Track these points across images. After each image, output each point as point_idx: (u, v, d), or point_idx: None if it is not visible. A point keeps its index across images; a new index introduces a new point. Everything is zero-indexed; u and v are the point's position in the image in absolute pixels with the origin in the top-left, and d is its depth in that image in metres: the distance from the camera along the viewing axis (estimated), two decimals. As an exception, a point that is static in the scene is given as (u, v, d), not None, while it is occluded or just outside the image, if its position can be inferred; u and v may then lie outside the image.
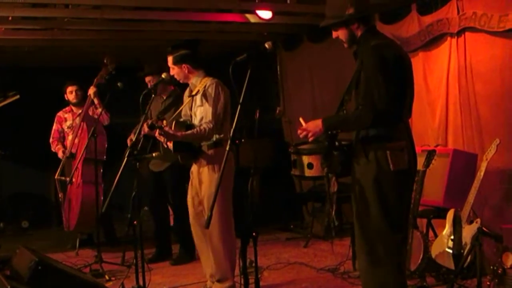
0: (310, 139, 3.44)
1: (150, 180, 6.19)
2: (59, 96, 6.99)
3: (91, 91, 6.48)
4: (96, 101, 6.53)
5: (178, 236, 6.24)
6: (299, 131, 3.48)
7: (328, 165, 3.44)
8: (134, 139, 4.76)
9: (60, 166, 6.58)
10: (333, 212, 3.48)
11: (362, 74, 3.40)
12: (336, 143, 3.46)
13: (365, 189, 3.41)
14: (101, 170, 6.33)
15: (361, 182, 3.42)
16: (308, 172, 3.75)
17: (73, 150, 6.53)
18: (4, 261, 5.30)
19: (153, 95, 5.92)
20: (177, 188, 6.08)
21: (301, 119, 3.70)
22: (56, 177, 6.59)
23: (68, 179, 6.42)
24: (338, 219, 6.91)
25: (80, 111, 6.65)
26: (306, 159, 3.70)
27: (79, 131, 6.54)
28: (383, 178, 3.38)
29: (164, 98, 6.02)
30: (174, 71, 4.76)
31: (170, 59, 4.74)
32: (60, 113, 7.00)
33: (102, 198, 6.21)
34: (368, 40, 3.48)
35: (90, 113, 6.67)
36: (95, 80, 6.45)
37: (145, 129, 4.71)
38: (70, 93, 6.84)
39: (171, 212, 6.53)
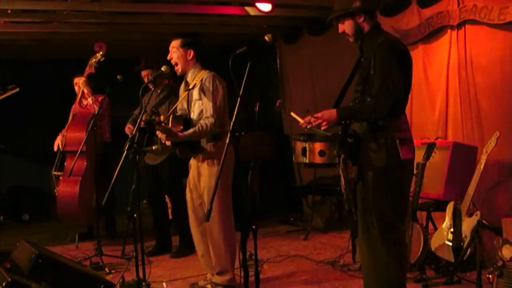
0: (323, 128, 3.44)
1: (146, 174, 6.18)
2: (58, 89, 6.97)
3: (80, 81, 6.46)
4: (85, 91, 6.47)
5: (178, 229, 6.25)
6: (312, 119, 3.47)
7: (345, 151, 3.46)
8: (133, 131, 4.71)
9: (56, 161, 6.56)
10: (352, 198, 3.48)
11: (372, 66, 3.44)
12: (350, 131, 3.50)
13: (375, 176, 3.46)
14: (85, 163, 6.29)
15: (371, 169, 3.47)
16: (318, 159, 3.74)
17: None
18: (4, 254, 5.30)
19: (152, 89, 5.96)
20: (174, 181, 6.09)
21: (293, 114, 3.71)
22: (52, 172, 6.57)
23: (62, 173, 6.41)
24: (338, 211, 6.94)
25: (86, 102, 6.62)
26: (318, 146, 3.68)
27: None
28: (392, 165, 3.43)
29: (159, 91, 5.98)
30: (177, 53, 4.66)
31: (177, 41, 4.66)
32: (73, 106, 6.98)
33: (78, 189, 6.19)
34: (374, 36, 3.55)
35: (88, 104, 6.61)
36: (85, 70, 6.42)
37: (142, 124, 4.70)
38: (76, 85, 6.81)
39: (169, 205, 6.54)
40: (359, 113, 3.45)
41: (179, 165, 6.02)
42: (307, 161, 4.18)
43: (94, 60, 6.33)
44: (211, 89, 4.57)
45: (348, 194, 3.52)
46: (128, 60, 6.54)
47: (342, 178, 3.53)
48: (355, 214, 3.58)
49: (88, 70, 6.39)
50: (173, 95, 5.89)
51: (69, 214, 6.32)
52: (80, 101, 6.59)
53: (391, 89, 3.35)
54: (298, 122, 3.65)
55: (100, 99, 6.44)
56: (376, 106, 3.39)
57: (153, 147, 4.82)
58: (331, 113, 3.47)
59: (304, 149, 3.95)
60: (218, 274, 4.70)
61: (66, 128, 6.50)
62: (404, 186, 3.55)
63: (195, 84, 4.62)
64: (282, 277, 5.12)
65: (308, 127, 3.53)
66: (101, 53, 6.30)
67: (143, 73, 6.06)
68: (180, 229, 6.19)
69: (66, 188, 6.24)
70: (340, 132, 3.53)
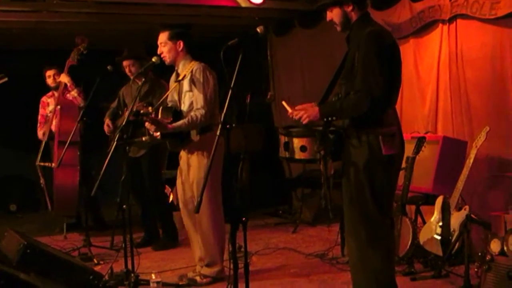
0: (304, 122, 3.42)
1: (131, 166, 6.14)
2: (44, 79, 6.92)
3: (62, 74, 6.42)
4: (68, 83, 6.42)
5: (160, 222, 6.25)
6: (295, 113, 3.46)
7: (325, 148, 3.44)
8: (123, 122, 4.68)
9: (40, 151, 6.52)
10: (330, 194, 3.47)
11: (357, 59, 3.39)
12: (332, 127, 3.46)
13: (357, 173, 3.42)
14: (77, 153, 6.25)
15: (353, 166, 3.43)
16: (300, 155, 3.69)
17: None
18: (-9, 244, 5.27)
19: (132, 81, 5.90)
20: (154, 174, 6.08)
21: (284, 103, 3.68)
22: (37, 163, 6.53)
23: (50, 164, 6.39)
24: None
25: (69, 95, 6.57)
26: (299, 142, 3.64)
27: (54, 116, 6.50)
28: (374, 162, 3.39)
29: (140, 84, 5.85)
30: (167, 47, 4.61)
31: (165, 34, 4.61)
32: (43, 98, 6.95)
33: (78, 180, 6.19)
34: (361, 26, 3.48)
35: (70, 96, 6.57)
36: (67, 62, 6.38)
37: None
38: (49, 78, 6.75)
39: (169, 191, 6.52)
40: (340, 110, 3.42)
41: (158, 158, 6.03)
42: (289, 156, 4.16)
43: (76, 52, 6.31)
44: (201, 80, 4.54)
45: (325, 191, 3.52)
46: (118, 50, 6.50)
47: (322, 174, 3.51)
48: (332, 212, 3.57)
49: (70, 62, 6.36)
50: (157, 88, 5.85)
51: (67, 204, 6.31)
52: (64, 92, 6.53)
53: (372, 86, 3.30)
54: (287, 111, 3.63)
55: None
56: (355, 103, 3.35)
57: (143, 138, 4.79)
58: (313, 109, 3.44)
59: (286, 144, 3.92)
60: (207, 265, 4.70)
61: (55, 119, 6.46)
62: (387, 181, 3.48)
63: (185, 75, 4.59)
64: (271, 269, 5.13)
65: (295, 118, 3.52)
66: (83, 45, 6.27)
67: (125, 63, 5.98)
68: (162, 222, 6.19)
69: (66, 179, 6.22)
70: (321, 127, 3.51)
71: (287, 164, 7.89)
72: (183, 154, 4.73)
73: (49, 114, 6.80)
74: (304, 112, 3.42)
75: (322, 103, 3.58)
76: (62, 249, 5.57)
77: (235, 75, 3.32)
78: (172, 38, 4.61)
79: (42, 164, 6.49)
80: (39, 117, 6.91)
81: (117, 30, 7.95)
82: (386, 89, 3.34)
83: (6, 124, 8.71)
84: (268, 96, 5.76)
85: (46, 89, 6.96)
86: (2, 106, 8.54)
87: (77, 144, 6.17)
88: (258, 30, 3.46)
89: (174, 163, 6.66)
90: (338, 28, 3.60)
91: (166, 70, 4.95)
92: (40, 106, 6.93)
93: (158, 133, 4.51)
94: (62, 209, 6.43)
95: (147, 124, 4.46)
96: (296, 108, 3.49)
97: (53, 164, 6.34)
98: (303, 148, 3.72)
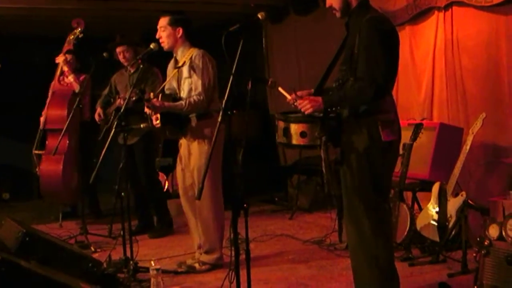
0: (307, 112, 3.42)
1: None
2: (39, 67, 6.86)
3: (60, 59, 6.35)
4: (65, 68, 6.34)
5: (154, 209, 6.24)
6: (299, 101, 3.44)
7: (326, 133, 3.44)
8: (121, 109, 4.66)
9: (36, 139, 6.48)
10: (332, 180, 3.47)
11: (357, 45, 3.38)
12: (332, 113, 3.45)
13: (357, 159, 3.42)
14: (67, 141, 6.21)
15: (353, 152, 3.43)
16: (299, 141, 3.67)
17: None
18: (-13, 233, 5.24)
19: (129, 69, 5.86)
20: (147, 161, 6.06)
21: (281, 89, 3.68)
22: (33, 151, 6.49)
23: (43, 152, 6.36)
24: (323, 191, 6.96)
25: (67, 81, 6.50)
26: (298, 128, 3.62)
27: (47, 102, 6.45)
28: (374, 148, 3.40)
29: (132, 71, 5.89)
30: (166, 32, 4.58)
31: (165, 19, 4.58)
32: (52, 83, 6.86)
33: (62, 168, 6.17)
34: (361, 13, 3.47)
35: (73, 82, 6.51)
36: (64, 47, 6.33)
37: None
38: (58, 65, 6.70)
39: (164, 179, 6.51)
40: (344, 99, 3.40)
41: (152, 145, 6.01)
42: (288, 141, 4.12)
43: (72, 36, 6.27)
44: (201, 66, 4.54)
45: (328, 177, 3.52)
46: (111, 37, 6.46)
47: (323, 160, 3.51)
48: (335, 198, 3.57)
49: (67, 46, 6.31)
50: (149, 76, 5.80)
51: (53, 193, 6.29)
52: (59, 79, 6.48)
53: (375, 73, 3.30)
54: (285, 98, 3.62)
55: (82, 78, 6.37)
56: (360, 91, 3.34)
57: (141, 125, 4.78)
58: (316, 100, 3.43)
59: (285, 130, 3.90)
60: (205, 252, 4.71)
61: (46, 106, 6.42)
62: (387, 167, 3.52)
63: (184, 62, 4.58)
64: (269, 256, 5.15)
65: (295, 103, 3.51)
66: (79, 29, 6.22)
67: (118, 49, 5.93)
68: (157, 209, 6.17)
69: (49, 167, 6.20)
70: (322, 114, 3.50)
71: (283, 151, 7.90)
72: (183, 141, 4.71)
73: None
74: (307, 103, 3.42)
75: (318, 90, 3.59)
76: (58, 237, 5.55)
77: (236, 61, 3.31)
78: (172, 24, 4.58)
79: (37, 152, 6.45)
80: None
81: (112, 17, 7.89)
82: (388, 75, 3.35)
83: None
84: (269, 83, 5.75)
85: (36, 77, 6.89)
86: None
87: (66, 132, 6.12)
88: (260, 16, 3.45)
89: (169, 151, 6.66)
90: (338, 14, 3.57)
91: (162, 58, 4.93)
92: (50, 91, 6.86)
93: (158, 122, 4.50)
94: (49, 197, 6.41)
95: (147, 110, 4.47)
96: (300, 98, 3.47)
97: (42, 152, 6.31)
98: (303, 134, 3.69)
